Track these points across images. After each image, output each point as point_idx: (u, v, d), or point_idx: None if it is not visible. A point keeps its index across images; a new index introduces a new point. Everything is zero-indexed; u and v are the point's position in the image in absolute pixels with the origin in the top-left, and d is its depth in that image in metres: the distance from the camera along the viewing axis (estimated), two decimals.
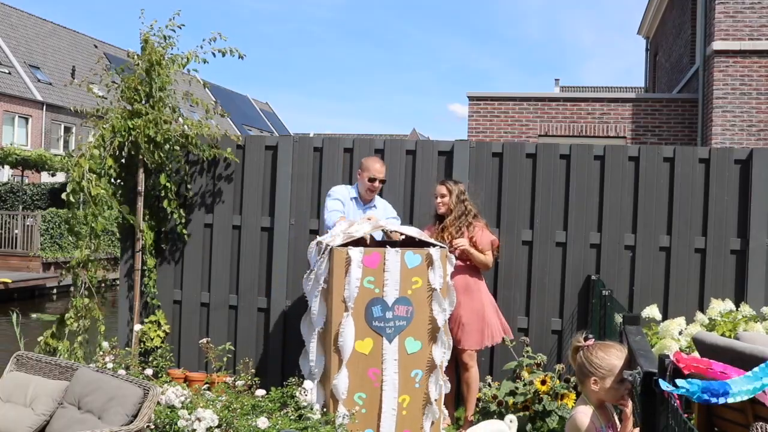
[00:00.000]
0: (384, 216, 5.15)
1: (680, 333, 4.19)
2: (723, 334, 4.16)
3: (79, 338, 5.48)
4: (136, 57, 5.66)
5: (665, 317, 4.73)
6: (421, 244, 4.63)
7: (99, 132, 5.47)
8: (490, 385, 4.93)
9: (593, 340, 2.80)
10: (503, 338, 5.02)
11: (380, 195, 5.38)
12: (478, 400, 4.85)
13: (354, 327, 4.33)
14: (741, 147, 9.86)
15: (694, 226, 5.27)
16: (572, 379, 4.55)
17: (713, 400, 2.26)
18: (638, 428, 2.43)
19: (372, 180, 5.07)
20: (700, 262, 5.25)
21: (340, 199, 5.05)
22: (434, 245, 4.59)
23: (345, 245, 4.40)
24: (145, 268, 5.78)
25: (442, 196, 4.98)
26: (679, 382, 2.14)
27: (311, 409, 4.30)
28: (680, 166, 5.29)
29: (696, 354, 3.44)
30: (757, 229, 5.16)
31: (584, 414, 2.73)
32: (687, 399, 2.21)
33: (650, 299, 5.10)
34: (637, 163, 5.35)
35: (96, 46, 37.89)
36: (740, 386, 2.36)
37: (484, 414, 4.67)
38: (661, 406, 2.06)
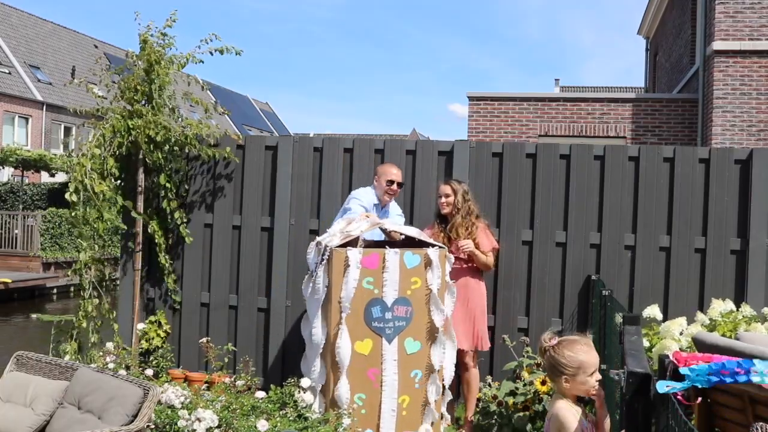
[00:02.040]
0: (395, 215, 5.19)
1: (681, 333, 4.18)
2: (723, 335, 4.15)
3: (93, 338, 5.46)
4: (135, 57, 5.66)
5: (665, 317, 4.73)
6: (421, 244, 4.63)
7: (99, 132, 5.47)
8: (490, 385, 4.92)
9: (557, 339, 2.80)
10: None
11: None
12: (478, 400, 4.84)
13: (349, 336, 4.32)
14: (741, 147, 9.85)
15: (694, 226, 5.26)
16: None
17: (728, 380, 2.16)
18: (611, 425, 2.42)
19: (390, 183, 5.08)
20: (700, 262, 5.25)
21: (365, 205, 5.02)
22: (433, 245, 4.59)
23: (344, 245, 4.40)
24: (162, 267, 5.77)
25: (447, 195, 4.96)
26: (682, 370, 2.10)
27: (310, 408, 4.29)
28: (680, 166, 5.29)
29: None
30: (757, 229, 5.16)
31: (569, 412, 2.69)
32: (687, 399, 2.18)
33: (650, 299, 5.09)
34: (637, 163, 5.34)
35: (96, 46, 37.86)
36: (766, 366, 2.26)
37: (484, 414, 4.67)
38: (661, 406, 2.06)
